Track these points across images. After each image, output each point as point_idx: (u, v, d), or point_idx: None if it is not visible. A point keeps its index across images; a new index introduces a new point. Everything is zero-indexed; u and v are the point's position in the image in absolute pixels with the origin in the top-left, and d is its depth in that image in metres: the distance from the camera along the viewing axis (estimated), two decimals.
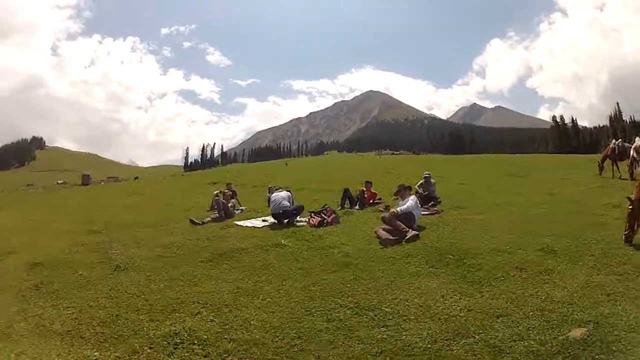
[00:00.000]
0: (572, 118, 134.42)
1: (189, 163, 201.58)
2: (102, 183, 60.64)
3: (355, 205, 13.39)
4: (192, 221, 11.41)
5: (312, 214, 10.75)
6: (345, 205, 13.53)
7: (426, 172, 14.34)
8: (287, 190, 11.72)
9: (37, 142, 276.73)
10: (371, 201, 13.94)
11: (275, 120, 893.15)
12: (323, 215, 10.52)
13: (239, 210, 14.09)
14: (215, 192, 15.39)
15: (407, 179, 18.70)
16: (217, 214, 12.16)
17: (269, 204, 11.98)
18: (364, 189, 14.21)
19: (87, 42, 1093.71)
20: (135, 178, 72.49)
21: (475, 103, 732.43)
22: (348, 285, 5.92)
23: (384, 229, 8.52)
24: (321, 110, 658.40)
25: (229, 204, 13.16)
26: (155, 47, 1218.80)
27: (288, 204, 10.88)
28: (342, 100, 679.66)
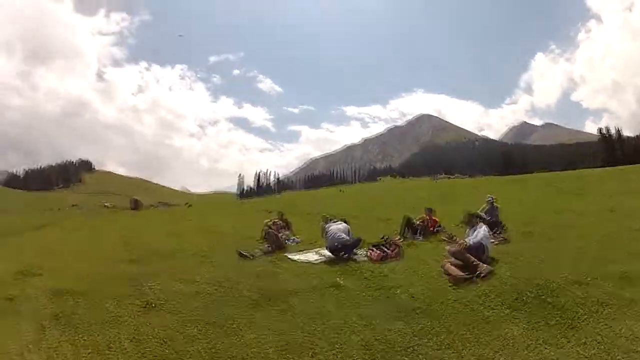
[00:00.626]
0: (617, 128, 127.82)
1: (243, 191, 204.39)
2: (152, 208, 61.47)
3: (418, 235, 12.04)
4: (240, 254, 10.28)
5: (372, 247, 9.54)
6: (406, 235, 12.10)
7: (489, 196, 12.91)
8: (344, 221, 10.61)
9: (85, 165, 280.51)
10: (432, 229, 12.56)
11: (329, 146, 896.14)
12: (385, 249, 9.36)
13: (292, 241, 12.88)
14: (267, 221, 14.24)
15: (467, 204, 17.58)
16: (268, 246, 11.05)
17: (323, 234, 11.09)
18: (426, 216, 12.89)
19: (134, 68, 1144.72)
20: (188, 204, 73.13)
21: (525, 122, 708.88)
22: (417, 338, 5.19)
23: (452, 264, 7.53)
24: (374, 137, 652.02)
25: (281, 235, 12.11)
26: (204, 75, 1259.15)
27: (346, 236, 9.66)
28: (395, 126, 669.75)
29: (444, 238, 10.62)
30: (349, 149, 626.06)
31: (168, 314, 6.10)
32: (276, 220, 14.10)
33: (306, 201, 42.24)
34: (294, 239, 13.24)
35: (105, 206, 72.37)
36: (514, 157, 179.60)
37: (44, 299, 6.86)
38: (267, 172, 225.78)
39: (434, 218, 13.02)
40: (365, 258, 9.18)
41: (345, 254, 9.37)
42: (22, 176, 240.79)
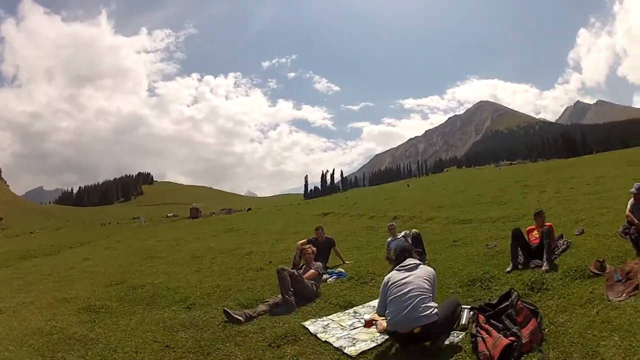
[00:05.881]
0: None
1: (309, 190, 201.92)
2: (213, 215, 59.31)
3: (543, 261, 6.40)
4: (227, 314, 5.69)
5: (485, 323, 4.22)
6: (519, 262, 6.78)
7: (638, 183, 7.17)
8: (416, 237, 6.52)
9: (144, 177, 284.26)
10: (554, 248, 7.10)
11: (392, 141, 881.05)
12: (509, 324, 4.09)
13: (333, 277, 7.99)
14: (299, 243, 9.18)
15: (555, 194, 16.80)
16: (278, 298, 6.30)
17: (388, 250, 8.81)
18: (538, 226, 7.40)
19: (186, 81, 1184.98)
20: (248, 209, 71.26)
21: (578, 100, 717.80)
22: None
23: None
24: (436, 127, 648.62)
25: (311, 269, 7.07)
26: (259, 81, 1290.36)
27: (432, 305, 4.29)
28: (455, 115, 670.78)
29: (594, 270, 5.46)
30: (413, 142, 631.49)
31: None
32: (304, 247, 8.01)
33: (372, 199, 38.03)
34: (336, 272, 8.28)
35: (167, 216, 71.65)
36: (574, 138, 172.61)
37: None
38: (332, 171, 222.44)
39: (548, 225, 7.26)
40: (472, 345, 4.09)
41: (431, 342, 4.26)
42: (75, 193, 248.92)
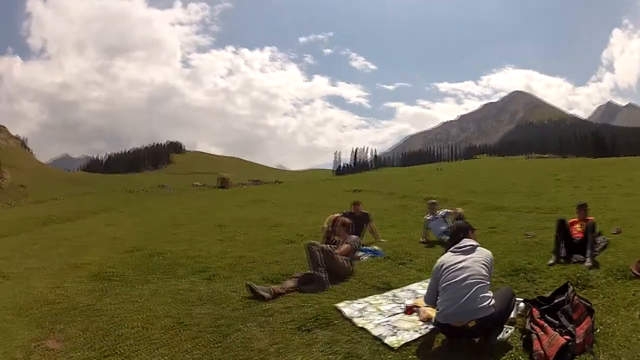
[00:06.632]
0: None
1: (340, 167, 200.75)
2: (243, 186, 59.27)
3: (586, 257, 6.02)
4: (251, 289, 5.02)
5: (539, 318, 3.66)
6: (561, 255, 6.38)
7: None
8: (459, 217, 5.23)
9: (174, 147, 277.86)
10: (596, 241, 6.74)
11: (426, 123, 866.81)
12: (564, 321, 3.61)
13: (367, 254, 7.30)
14: (331, 217, 8.20)
15: (588, 191, 16.83)
16: (308, 274, 5.57)
17: (424, 232, 8.51)
18: (581, 219, 7.10)
19: (221, 53, 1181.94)
20: (277, 182, 71.09)
21: (610, 101, 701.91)
22: None
23: None
24: (470, 113, 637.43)
25: (346, 244, 6.28)
26: (295, 56, 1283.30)
27: (489, 296, 3.58)
28: (490, 102, 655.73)
29: (636, 272, 5.16)
30: (446, 126, 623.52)
31: None
32: (340, 217, 7.34)
33: (403, 180, 37.48)
34: (370, 249, 7.58)
35: (194, 185, 72.18)
36: (604, 138, 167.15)
37: None
38: (364, 149, 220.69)
39: (589, 219, 6.97)
40: (523, 339, 3.60)
41: (483, 337, 3.60)
42: (104, 161, 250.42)
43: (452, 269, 3.69)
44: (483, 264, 3.72)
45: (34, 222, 17.10)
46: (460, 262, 3.72)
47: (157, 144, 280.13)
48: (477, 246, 3.93)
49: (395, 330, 3.97)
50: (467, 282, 3.56)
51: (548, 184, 22.20)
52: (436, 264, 3.88)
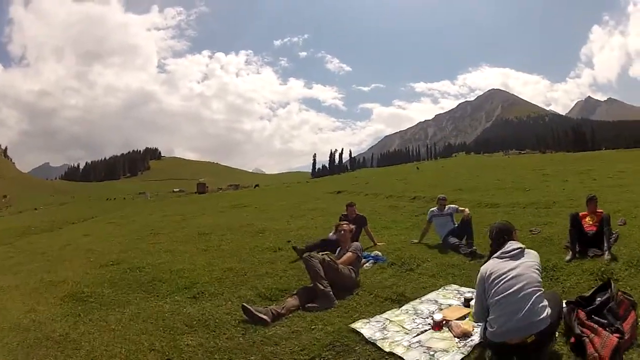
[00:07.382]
0: None
1: (316, 169, 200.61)
2: (220, 191, 58.44)
3: (604, 250, 5.85)
4: (247, 311, 4.27)
5: (584, 318, 3.38)
6: (576, 250, 6.13)
7: None
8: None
9: (152, 153, 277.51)
10: (615, 234, 6.81)
11: (402, 124, 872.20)
12: (615, 323, 3.31)
13: (370, 259, 6.64)
14: (335, 227, 6.58)
15: (580, 184, 17.06)
16: (310, 288, 4.87)
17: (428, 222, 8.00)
18: (592, 212, 6.80)
19: (197, 58, 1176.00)
20: (256, 186, 70.71)
21: (589, 96, 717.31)
22: None
23: None
24: (446, 112, 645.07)
25: (349, 252, 5.56)
26: (270, 59, 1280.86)
27: (546, 309, 3.05)
28: (466, 101, 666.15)
29: None
30: (422, 125, 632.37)
31: None
32: (339, 223, 6.30)
33: (383, 180, 37.12)
34: (372, 256, 6.86)
35: (173, 191, 70.97)
36: (584, 133, 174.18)
37: None
38: (340, 151, 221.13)
39: (600, 211, 6.73)
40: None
41: (536, 353, 3.03)
42: (82, 169, 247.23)
43: (503, 278, 3.15)
44: (536, 269, 3.25)
45: (13, 233, 16.73)
46: (512, 269, 3.19)
47: (135, 150, 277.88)
48: (525, 248, 3.39)
49: (432, 352, 3.39)
50: (524, 292, 3.05)
51: (535, 179, 22.03)
52: (480, 274, 3.33)
